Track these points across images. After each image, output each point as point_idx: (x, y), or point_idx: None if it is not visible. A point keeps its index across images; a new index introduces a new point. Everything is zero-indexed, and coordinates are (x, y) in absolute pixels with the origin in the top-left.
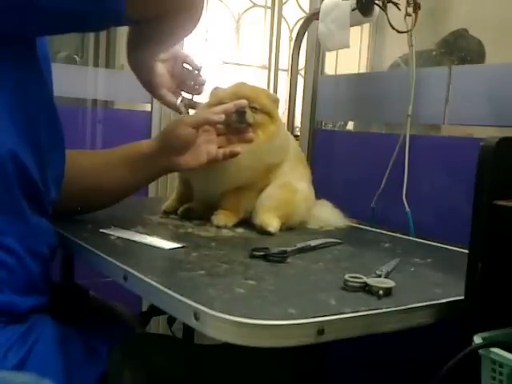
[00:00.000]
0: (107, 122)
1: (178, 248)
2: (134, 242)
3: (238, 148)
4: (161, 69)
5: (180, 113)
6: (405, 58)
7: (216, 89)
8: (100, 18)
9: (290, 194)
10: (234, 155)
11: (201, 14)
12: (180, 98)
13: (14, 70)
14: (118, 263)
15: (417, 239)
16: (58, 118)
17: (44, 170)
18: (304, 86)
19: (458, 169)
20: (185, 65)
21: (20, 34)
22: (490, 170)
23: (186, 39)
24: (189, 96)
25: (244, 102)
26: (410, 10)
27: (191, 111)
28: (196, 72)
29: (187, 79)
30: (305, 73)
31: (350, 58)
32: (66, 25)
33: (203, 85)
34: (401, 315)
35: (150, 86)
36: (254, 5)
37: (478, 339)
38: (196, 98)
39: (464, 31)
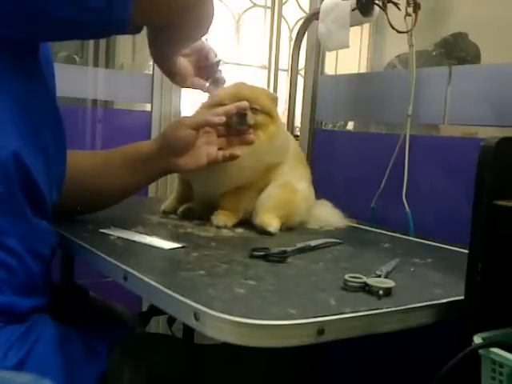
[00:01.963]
0: (107, 122)
1: (178, 248)
2: (134, 242)
3: (237, 151)
4: (184, 61)
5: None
6: (401, 57)
7: None
8: (105, 26)
9: (289, 194)
10: (233, 158)
11: (213, 9)
12: (209, 81)
13: (16, 73)
14: (118, 263)
15: (417, 239)
16: (61, 119)
17: (49, 171)
18: (304, 85)
19: (457, 169)
20: (206, 59)
21: (23, 40)
22: (490, 169)
23: None
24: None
25: (245, 104)
26: (410, 10)
27: (222, 88)
28: (217, 65)
29: (211, 72)
30: (305, 73)
31: (349, 57)
32: (70, 32)
33: (224, 78)
34: (401, 315)
35: (176, 77)
36: (254, 5)
37: (477, 339)
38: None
39: (464, 35)
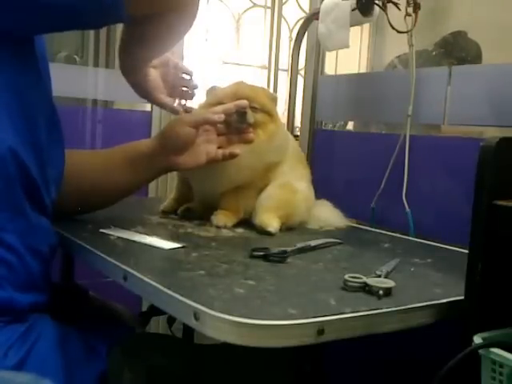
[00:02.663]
0: (107, 122)
1: (178, 248)
2: (134, 242)
3: (237, 149)
4: (154, 74)
5: (177, 114)
6: (401, 58)
7: (213, 88)
8: (100, 13)
9: (289, 194)
10: (233, 156)
11: (197, 11)
12: (177, 101)
13: (11, 69)
14: (118, 263)
15: (417, 239)
16: (57, 117)
17: (44, 168)
18: (304, 86)
19: (458, 169)
20: (176, 70)
21: (19, 32)
22: (490, 169)
23: (185, 39)
24: (182, 101)
25: (245, 102)
26: (410, 10)
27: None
28: (188, 77)
29: (179, 85)
30: (305, 73)
31: (350, 57)
32: (65, 21)
33: (195, 89)
34: (401, 315)
35: (145, 90)
36: (254, 5)
37: (477, 339)
38: (189, 103)
39: (464, 33)
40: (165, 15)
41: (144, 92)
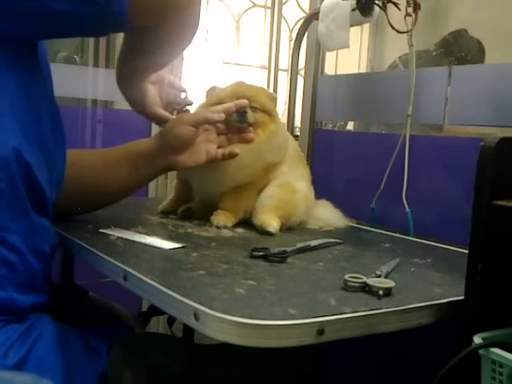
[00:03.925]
0: (107, 122)
1: (178, 248)
2: (134, 242)
3: (237, 149)
4: (152, 89)
5: None
6: (403, 58)
7: (213, 88)
8: (103, 21)
9: (289, 194)
10: (233, 156)
11: (198, 14)
12: (175, 113)
13: (16, 70)
14: (118, 263)
15: (417, 239)
16: (60, 117)
17: (49, 169)
18: (304, 85)
19: (458, 169)
20: (171, 88)
21: (26, 36)
22: (490, 169)
23: None
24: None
25: (245, 101)
26: (410, 9)
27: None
28: (182, 94)
29: (174, 102)
30: (305, 73)
31: (350, 58)
32: (67, 28)
33: (190, 105)
34: (401, 315)
35: (142, 105)
36: (254, 5)
37: (477, 339)
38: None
39: (464, 32)
40: (167, 21)
41: (141, 107)
